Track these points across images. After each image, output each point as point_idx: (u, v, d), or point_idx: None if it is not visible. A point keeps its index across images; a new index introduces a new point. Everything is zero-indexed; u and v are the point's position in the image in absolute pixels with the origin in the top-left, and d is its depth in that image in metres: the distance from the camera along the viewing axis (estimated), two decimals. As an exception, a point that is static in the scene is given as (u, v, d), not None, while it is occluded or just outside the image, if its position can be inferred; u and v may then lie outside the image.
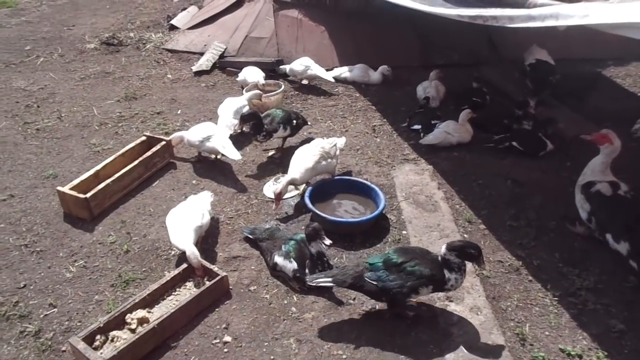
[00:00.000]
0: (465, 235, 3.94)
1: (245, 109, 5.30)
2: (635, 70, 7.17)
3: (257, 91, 5.60)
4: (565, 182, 4.48)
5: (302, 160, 4.19)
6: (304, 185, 4.35)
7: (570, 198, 3.93)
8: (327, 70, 6.63)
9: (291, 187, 4.31)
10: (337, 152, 4.45)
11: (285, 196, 4.30)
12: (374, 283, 3.05)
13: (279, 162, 4.86)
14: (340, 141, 4.57)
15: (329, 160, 4.31)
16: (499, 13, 3.14)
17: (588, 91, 6.08)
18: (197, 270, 3.39)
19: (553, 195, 4.39)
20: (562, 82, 5.98)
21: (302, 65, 6.36)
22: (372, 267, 3.10)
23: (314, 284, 3.17)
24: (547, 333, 3.12)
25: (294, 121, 4.98)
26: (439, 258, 3.05)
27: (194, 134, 4.72)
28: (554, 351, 3.01)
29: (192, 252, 3.35)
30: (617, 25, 2.46)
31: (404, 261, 3.03)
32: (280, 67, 6.64)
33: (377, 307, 3.29)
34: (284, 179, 4.12)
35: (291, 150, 4.67)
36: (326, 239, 3.34)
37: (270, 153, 5.07)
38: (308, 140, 4.95)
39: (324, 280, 3.13)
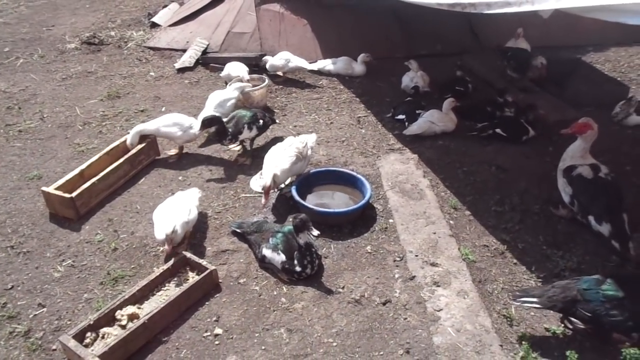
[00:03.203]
0: (451, 222, 4.00)
1: (231, 102, 5.28)
2: (614, 56, 7.28)
3: (246, 83, 5.57)
4: (548, 166, 4.55)
5: (278, 162, 4.06)
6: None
7: (553, 182, 4.01)
8: (310, 63, 6.65)
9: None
10: (309, 152, 4.31)
11: (253, 194, 4.32)
12: (588, 315, 2.82)
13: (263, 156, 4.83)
14: (311, 139, 4.43)
15: (303, 161, 4.19)
16: (476, 0, 3.17)
17: (569, 77, 6.17)
18: (165, 246, 3.44)
19: (536, 179, 4.46)
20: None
21: (282, 59, 6.35)
22: (586, 296, 2.84)
23: (518, 304, 3.02)
24: (532, 313, 3.19)
25: (261, 121, 4.85)
26: None
27: (170, 126, 4.71)
28: (540, 330, 3.07)
29: (164, 231, 3.39)
30: (590, 8, 2.51)
31: (625, 296, 2.77)
32: (263, 58, 6.60)
33: (366, 295, 3.33)
34: (269, 173, 3.97)
35: (264, 148, 4.67)
36: (314, 230, 3.35)
37: (235, 151, 5.01)
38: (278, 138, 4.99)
39: (530, 301, 2.94)
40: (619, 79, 6.58)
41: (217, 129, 4.60)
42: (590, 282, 2.89)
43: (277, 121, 5.26)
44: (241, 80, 5.83)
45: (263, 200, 4.01)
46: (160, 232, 3.44)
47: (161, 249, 3.77)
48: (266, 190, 3.95)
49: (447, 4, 3.49)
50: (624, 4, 2.36)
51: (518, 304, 3.03)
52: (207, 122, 4.55)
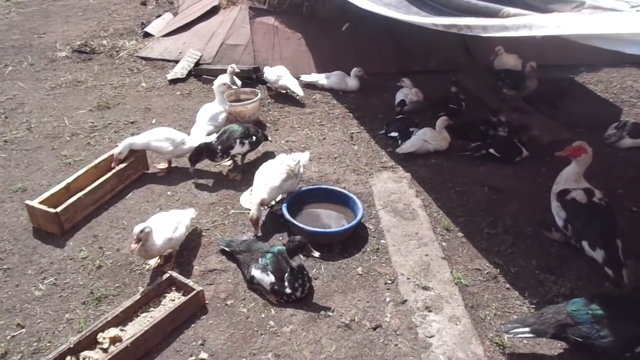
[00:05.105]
0: (443, 244, 3.94)
1: (222, 116, 5.21)
2: (606, 77, 7.33)
3: (224, 81, 5.43)
4: (541, 188, 4.53)
5: (268, 179, 4.03)
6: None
7: (546, 204, 3.97)
8: (302, 76, 6.63)
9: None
10: (301, 170, 4.29)
11: (244, 210, 4.27)
12: (579, 340, 2.80)
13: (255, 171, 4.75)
14: (304, 157, 4.40)
15: (293, 179, 4.15)
16: (472, 22, 3.15)
17: (562, 98, 6.18)
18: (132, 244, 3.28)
19: (529, 201, 4.43)
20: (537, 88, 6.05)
21: (275, 74, 6.29)
22: (575, 318, 2.82)
23: (511, 335, 2.96)
24: (525, 341, 3.12)
25: (253, 136, 4.79)
26: None
27: (162, 141, 4.64)
28: (533, 359, 3.01)
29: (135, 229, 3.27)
30: (588, 36, 2.49)
31: (612, 314, 2.76)
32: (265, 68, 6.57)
33: (356, 320, 3.25)
34: (255, 202, 3.92)
35: (255, 164, 4.64)
36: (314, 251, 3.30)
37: (226, 166, 4.94)
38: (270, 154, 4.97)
39: (521, 331, 2.90)
40: (611, 100, 6.62)
41: (207, 155, 4.61)
42: (579, 304, 2.89)
43: (269, 139, 5.18)
44: (232, 73, 5.88)
45: (253, 230, 3.96)
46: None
47: (147, 267, 3.68)
48: (255, 222, 3.89)
49: (443, 24, 3.46)
50: (621, 34, 2.34)
51: (511, 335, 2.97)
52: (194, 158, 4.57)
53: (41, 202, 4.00)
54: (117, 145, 4.66)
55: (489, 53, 6.44)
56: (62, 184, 4.23)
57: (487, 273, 3.67)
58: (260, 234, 4.00)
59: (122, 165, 4.50)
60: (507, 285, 3.56)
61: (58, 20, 9.14)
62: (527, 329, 2.90)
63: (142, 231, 3.27)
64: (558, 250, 3.89)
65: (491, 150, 5.04)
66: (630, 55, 2.45)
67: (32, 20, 9.09)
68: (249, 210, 4.23)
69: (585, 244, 3.55)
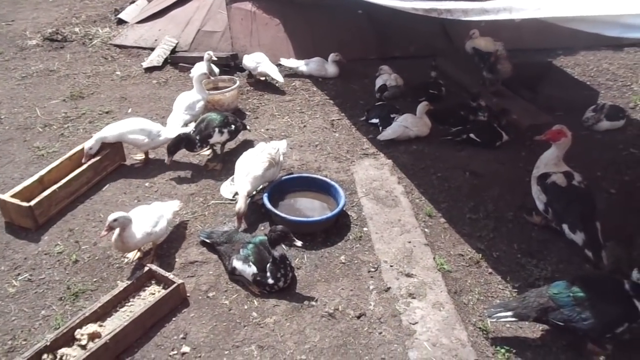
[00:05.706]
0: (426, 230, 3.94)
1: (200, 105, 5.09)
2: (583, 60, 7.39)
3: (204, 71, 5.24)
4: (521, 172, 4.55)
5: (250, 169, 3.96)
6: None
7: (527, 188, 3.98)
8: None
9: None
10: (281, 158, 4.24)
11: (224, 201, 4.21)
12: (561, 324, 2.83)
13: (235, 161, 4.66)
14: (282, 145, 4.36)
15: (275, 167, 4.11)
16: (453, 6, 3.11)
17: (541, 81, 6.20)
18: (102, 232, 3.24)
19: (510, 185, 4.45)
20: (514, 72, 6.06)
21: (254, 61, 6.19)
22: (557, 301, 2.84)
23: (494, 320, 2.98)
24: (508, 325, 3.14)
25: (232, 125, 4.71)
26: (626, 286, 2.77)
27: (136, 133, 4.51)
28: (516, 343, 3.03)
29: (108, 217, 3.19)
30: (567, 18, 2.47)
31: (593, 296, 2.79)
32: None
33: (340, 309, 3.23)
34: (242, 194, 3.84)
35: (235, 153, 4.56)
36: (297, 240, 3.26)
37: (206, 153, 4.87)
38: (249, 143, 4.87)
39: (504, 315, 2.92)
40: (588, 83, 6.67)
41: (186, 145, 4.51)
42: (560, 286, 2.92)
43: (248, 128, 5.09)
44: (209, 59, 5.75)
45: (237, 224, 3.84)
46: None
47: (126, 260, 3.60)
48: (240, 216, 3.79)
49: (422, 9, 3.42)
50: (601, 16, 2.33)
51: (494, 320, 2.99)
52: (173, 149, 4.45)
53: (13, 196, 3.87)
54: (92, 137, 4.54)
55: (468, 37, 6.41)
56: (35, 177, 4.10)
57: (470, 258, 3.67)
58: (242, 227, 3.87)
59: (98, 157, 4.37)
60: (490, 270, 3.58)
61: (27, 7, 8.84)
62: (509, 313, 2.92)
63: (115, 220, 3.18)
64: (539, 233, 3.92)
65: (472, 135, 5.05)
66: (606, 38, 2.44)
67: (0, 7, 8.77)
68: (230, 200, 4.18)
69: (565, 227, 3.58)
